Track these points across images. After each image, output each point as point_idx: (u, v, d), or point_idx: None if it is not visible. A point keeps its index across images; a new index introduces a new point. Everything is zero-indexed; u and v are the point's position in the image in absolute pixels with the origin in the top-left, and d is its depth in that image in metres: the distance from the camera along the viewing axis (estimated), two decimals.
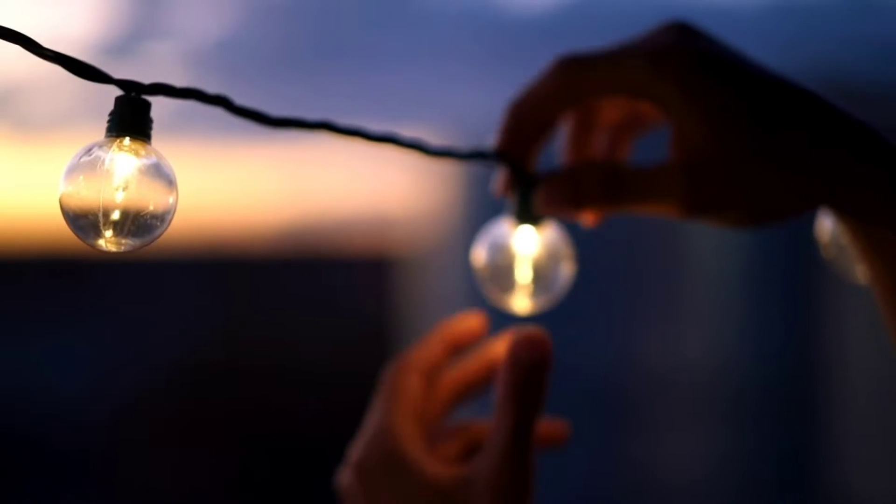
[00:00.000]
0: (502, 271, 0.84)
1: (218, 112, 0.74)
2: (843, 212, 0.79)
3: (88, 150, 0.70)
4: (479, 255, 0.85)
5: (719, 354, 4.43)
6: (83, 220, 0.70)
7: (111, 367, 5.99)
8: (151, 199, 0.70)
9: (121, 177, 0.70)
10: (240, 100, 0.75)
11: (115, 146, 0.70)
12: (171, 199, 0.71)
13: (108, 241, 0.70)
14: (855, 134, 0.77)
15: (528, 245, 0.84)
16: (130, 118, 0.70)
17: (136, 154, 0.70)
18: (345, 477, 0.82)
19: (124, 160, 0.70)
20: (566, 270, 0.85)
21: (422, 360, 0.85)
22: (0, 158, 5.90)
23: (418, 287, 5.16)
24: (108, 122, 0.71)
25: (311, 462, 5.89)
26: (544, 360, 0.78)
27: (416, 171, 5.31)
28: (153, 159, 0.71)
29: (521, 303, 0.85)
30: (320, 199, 6.33)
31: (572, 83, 0.80)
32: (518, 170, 0.83)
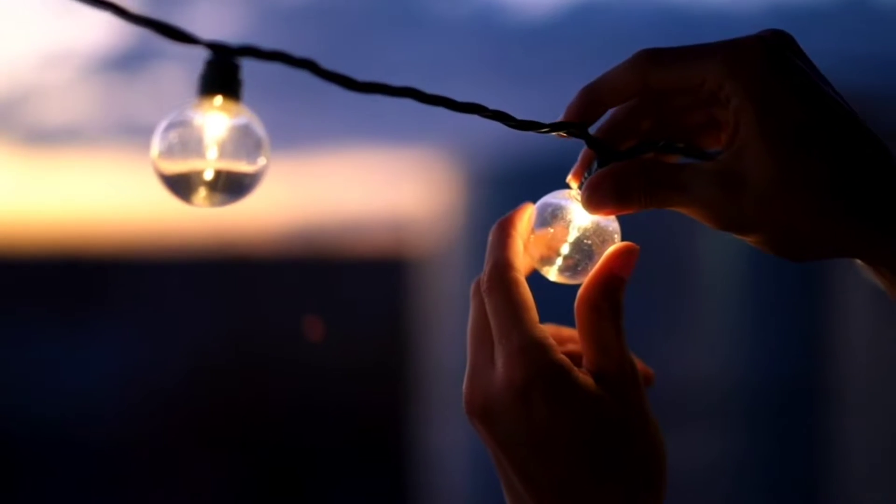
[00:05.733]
0: (542, 237, 0.85)
1: None
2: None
3: (180, 110, 0.71)
4: (536, 212, 0.86)
5: (731, 365, 4.43)
6: (176, 179, 0.71)
7: (128, 367, 5.99)
8: (244, 157, 0.71)
9: (213, 136, 0.70)
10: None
11: (206, 106, 0.71)
12: (262, 158, 0.72)
13: (201, 199, 0.71)
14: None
15: (580, 221, 0.85)
16: (221, 78, 0.71)
17: (228, 113, 0.71)
18: (501, 399, 0.79)
19: (216, 120, 0.71)
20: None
21: (519, 259, 0.84)
22: (14, 166, 5.91)
23: (429, 287, 5.17)
24: (199, 83, 0.71)
25: (323, 459, 5.89)
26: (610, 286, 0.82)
27: (426, 175, 5.32)
28: (245, 119, 0.71)
29: (550, 272, 0.86)
30: (334, 203, 6.34)
31: (647, 74, 0.80)
32: (599, 145, 0.84)
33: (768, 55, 0.77)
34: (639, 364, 0.86)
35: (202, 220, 5.85)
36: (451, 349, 4.77)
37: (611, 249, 0.83)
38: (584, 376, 0.79)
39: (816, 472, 4.33)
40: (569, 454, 0.78)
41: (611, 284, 0.82)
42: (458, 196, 5.03)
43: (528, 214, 0.85)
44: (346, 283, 6.24)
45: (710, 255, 4.47)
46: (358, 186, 6.43)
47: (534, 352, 0.78)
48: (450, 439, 4.79)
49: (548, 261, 0.85)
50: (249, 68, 0.73)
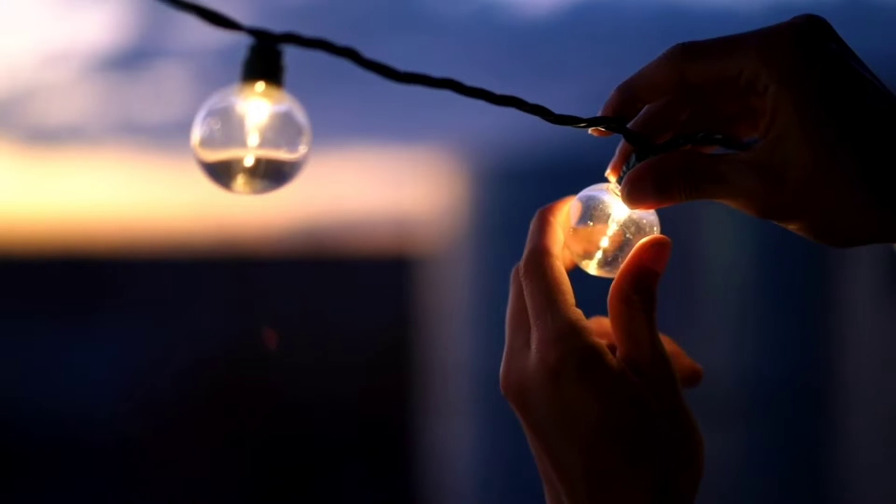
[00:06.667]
0: (581, 231, 0.85)
1: None
2: None
3: (222, 96, 0.70)
4: (575, 206, 0.86)
5: (734, 363, 4.44)
6: (216, 165, 0.70)
7: (131, 366, 6.00)
8: (284, 144, 0.70)
9: (254, 122, 0.70)
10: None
11: (247, 92, 0.70)
12: (303, 146, 0.71)
13: (241, 186, 0.70)
14: None
15: (618, 215, 0.85)
16: (263, 64, 0.70)
17: (270, 100, 0.70)
18: (534, 380, 0.80)
19: (257, 106, 0.70)
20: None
21: (557, 247, 0.84)
22: (16, 165, 5.91)
23: (435, 285, 5.18)
24: (242, 69, 0.70)
25: (328, 458, 5.90)
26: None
27: (431, 173, 5.33)
28: (286, 106, 0.70)
29: (590, 266, 0.86)
30: (338, 201, 6.34)
31: (684, 69, 0.80)
32: (638, 138, 0.84)
33: (803, 42, 0.76)
34: (686, 361, 0.88)
35: (205, 218, 5.86)
36: (456, 347, 4.77)
37: (641, 242, 0.83)
38: (616, 361, 0.80)
39: (818, 471, 4.33)
40: (599, 437, 0.78)
41: (641, 276, 0.82)
42: (462, 194, 5.03)
43: (567, 206, 0.86)
44: (350, 281, 6.24)
45: (713, 253, 4.47)
46: (362, 184, 6.43)
47: (567, 334, 0.79)
48: (455, 436, 4.79)
49: (587, 255, 0.85)
50: None
